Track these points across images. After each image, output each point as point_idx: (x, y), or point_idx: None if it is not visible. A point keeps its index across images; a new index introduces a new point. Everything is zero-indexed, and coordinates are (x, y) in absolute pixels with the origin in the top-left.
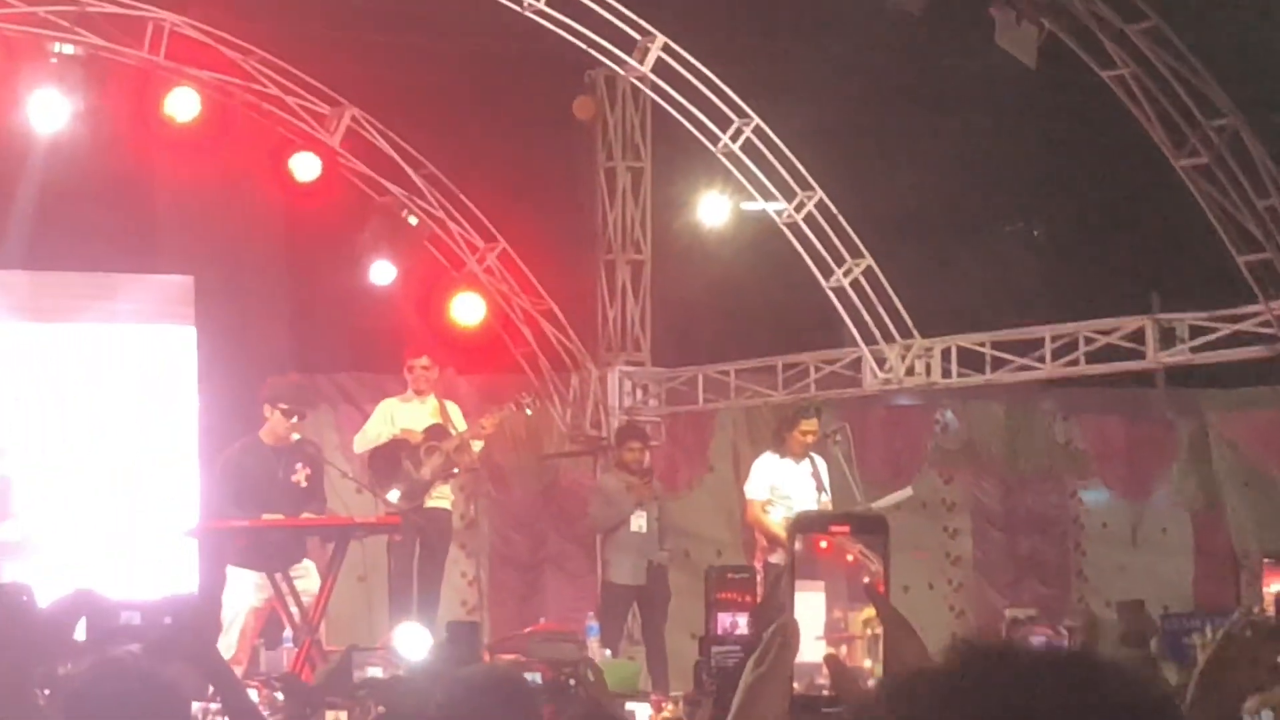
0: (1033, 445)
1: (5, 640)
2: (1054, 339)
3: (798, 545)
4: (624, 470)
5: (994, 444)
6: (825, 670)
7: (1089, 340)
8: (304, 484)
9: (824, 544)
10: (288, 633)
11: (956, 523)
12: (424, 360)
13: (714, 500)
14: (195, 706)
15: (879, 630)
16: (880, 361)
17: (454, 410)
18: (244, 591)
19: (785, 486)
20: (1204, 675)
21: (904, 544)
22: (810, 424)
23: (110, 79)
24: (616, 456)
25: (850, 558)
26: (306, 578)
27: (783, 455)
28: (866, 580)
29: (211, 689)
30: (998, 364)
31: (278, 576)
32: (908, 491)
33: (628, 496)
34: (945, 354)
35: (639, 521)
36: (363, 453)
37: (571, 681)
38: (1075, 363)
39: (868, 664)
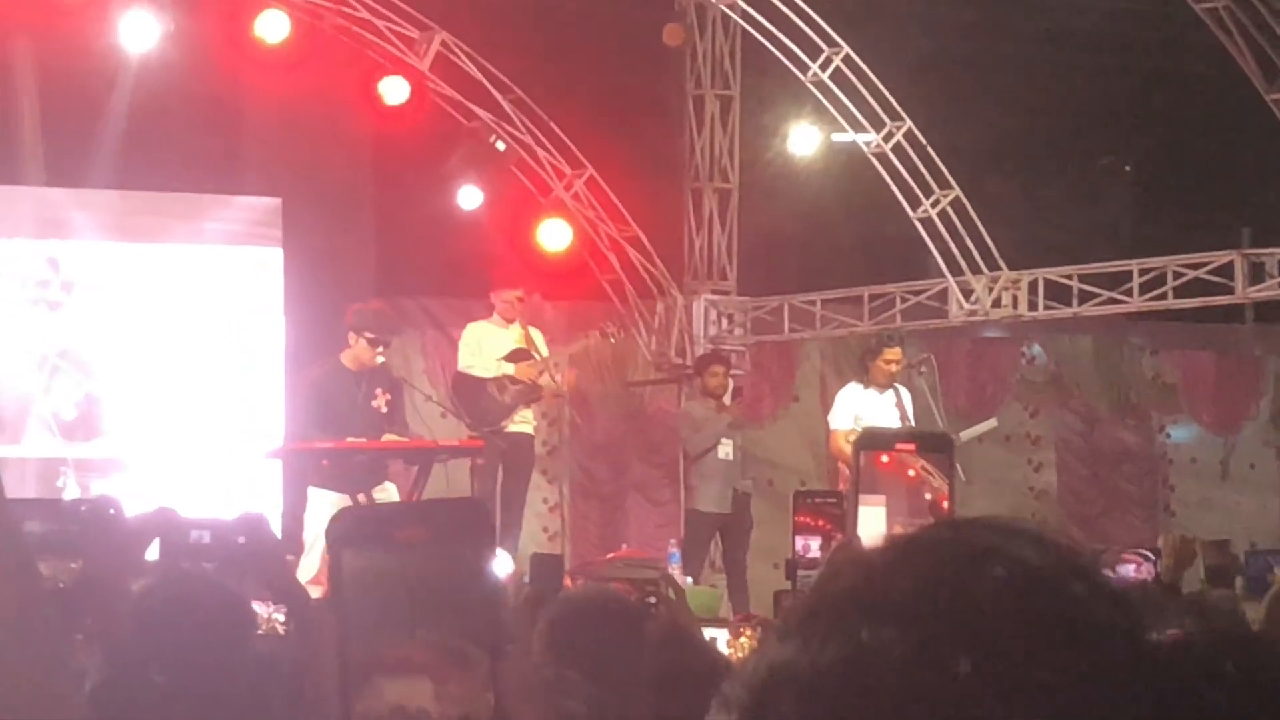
0: (1120, 379)
1: (93, 552)
2: (1142, 273)
3: (862, 461)
4: (708, 396)
5: (1081, 378)
6: None
7: (1177, 275)
8: (384, 409)
9: (885, 459)
10: None
11: (1041, 456)
12: (518, 293)
13: (798, 430)
14: (261, 612)
15: None
16: (967, 293)
17: (537, 336)
18: (325, 512)
19: (869, 416)
20: (1275, 602)
21: (985, 476)
22: (894, 352)
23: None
24: (700, 383)
25: (911, 473)
26: (388, 500)
27: (867, 385)
28: (929, 496)
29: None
30: (1085, 297)
31: (361, 498)
32: (992, 423)
33: (719, 418)
34: (1032, 286)
35: (726, 449)
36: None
37: (652, 599)
38: (1163, 297)
39: None
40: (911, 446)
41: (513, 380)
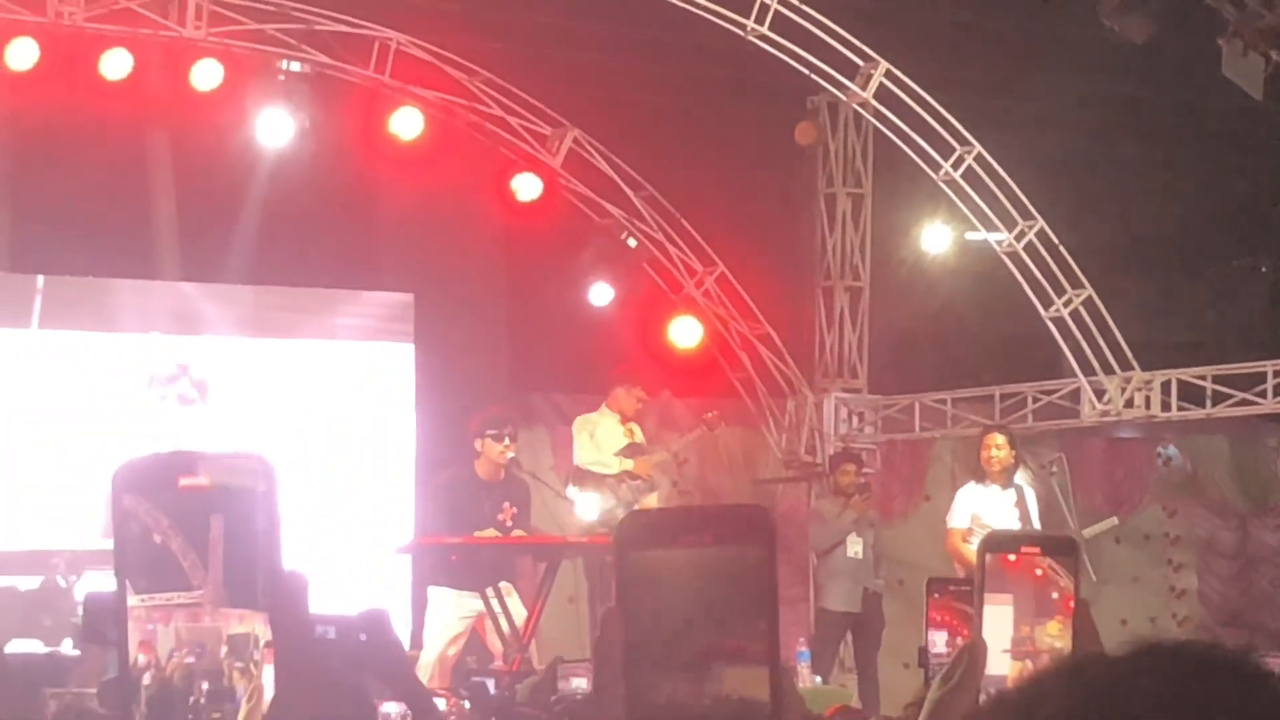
0: (1258, 480)
1: None
2: (1276, 374)
3: (987, 561)
4: (839, 494)
5: (1219, 477)
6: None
7: None
8: (509, 523)
9: (1012, 557)
10: (498, 647)
11: (1180, 557)
12: (641, 393)
13: (929, 530)
14: (392, 711)
15: (1065, 644)
16: (1099, 393)
17: (637, 431)
18: (446, 610)
19: (988, 516)
20: None
21: (1125, 575)
22: (994, 439)
23: (336, 97)
24: (832, 481)
25: (1039, 572)
26: (509, 598)
27: (983, 483)
28: (1056, 596)
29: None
30: (1219, 398)
31: (489, 592)
32: (1112, 521)
33: (845, 515)
34: (1165, 387)
35: (855, 547)
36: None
37: None
38: None
39: None
40: (1036, 549)
41: (631, 476)
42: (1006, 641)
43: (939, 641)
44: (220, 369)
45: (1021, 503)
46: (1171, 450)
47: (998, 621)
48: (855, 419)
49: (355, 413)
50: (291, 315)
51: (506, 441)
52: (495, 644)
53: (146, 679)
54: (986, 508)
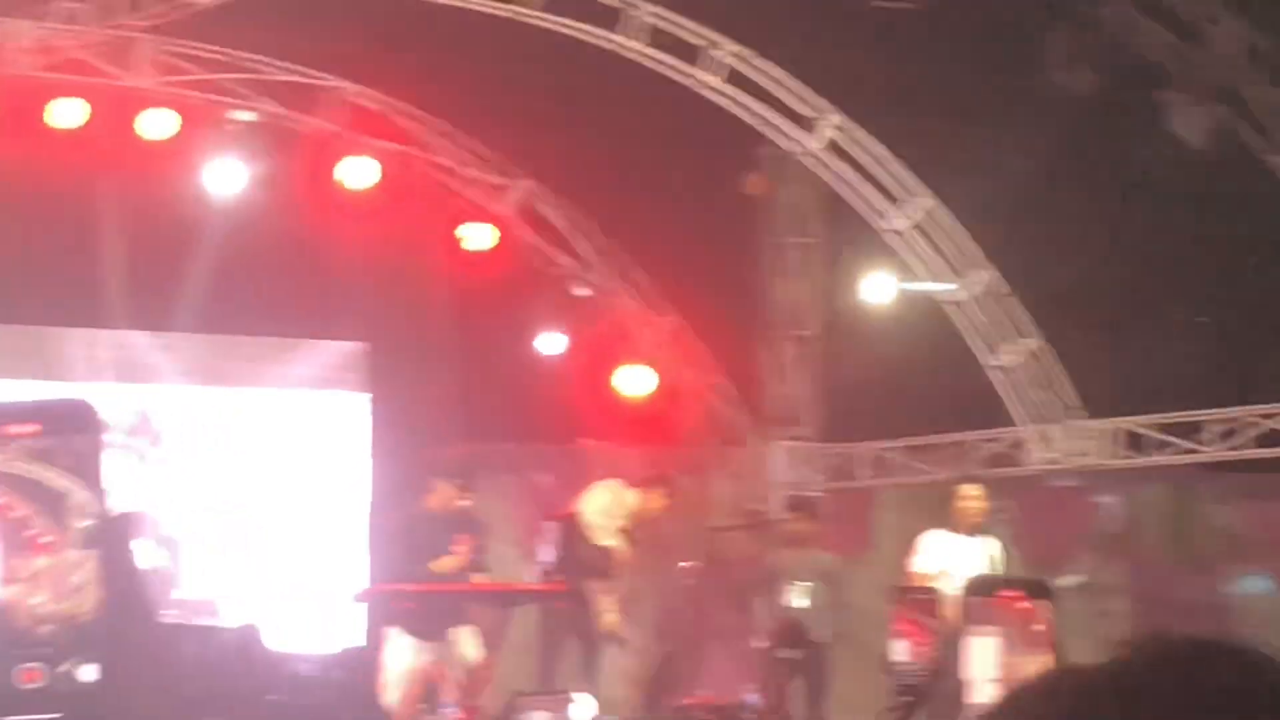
0: (1194, 531)
1: None
2: (1218, 423)
3: (969, 603)
4: (789, 543)
5: (1155, 529)
6: None
7: (1253, 424)
8: (468, 556)
9: (992, 598)
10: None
11: (1115, 606)
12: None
13: (874, 578)
14: None
15: None
16: (1042, 441)
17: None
18: (405, 656)
19: (958, 563)
20: None
21: (1059, 625)
22: (970, 489)
23: (287, 146)
24: (783, 530)
25: (1022, 608)
26: (467, 642)
27: (952, 530)
28: (1043, 628)
29: None
30: (1161, 447)
31: (446, 638)
32: (1081, 578)
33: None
34: (1108, 436)
35: (798, 596)
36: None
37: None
38: (1237, 448)
39: None
40: (1016, 592)
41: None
42: (994, 672)
43: (901, 650)
44: (172, 418)
45: (990, 551)
46: (1109, 499)
47: (984, 654)
48: (802, 468)
49: (311, 461)
50: (245, 365)
51: (461, 489)
52: (452, 689)
53: None
54: (956, 555)
